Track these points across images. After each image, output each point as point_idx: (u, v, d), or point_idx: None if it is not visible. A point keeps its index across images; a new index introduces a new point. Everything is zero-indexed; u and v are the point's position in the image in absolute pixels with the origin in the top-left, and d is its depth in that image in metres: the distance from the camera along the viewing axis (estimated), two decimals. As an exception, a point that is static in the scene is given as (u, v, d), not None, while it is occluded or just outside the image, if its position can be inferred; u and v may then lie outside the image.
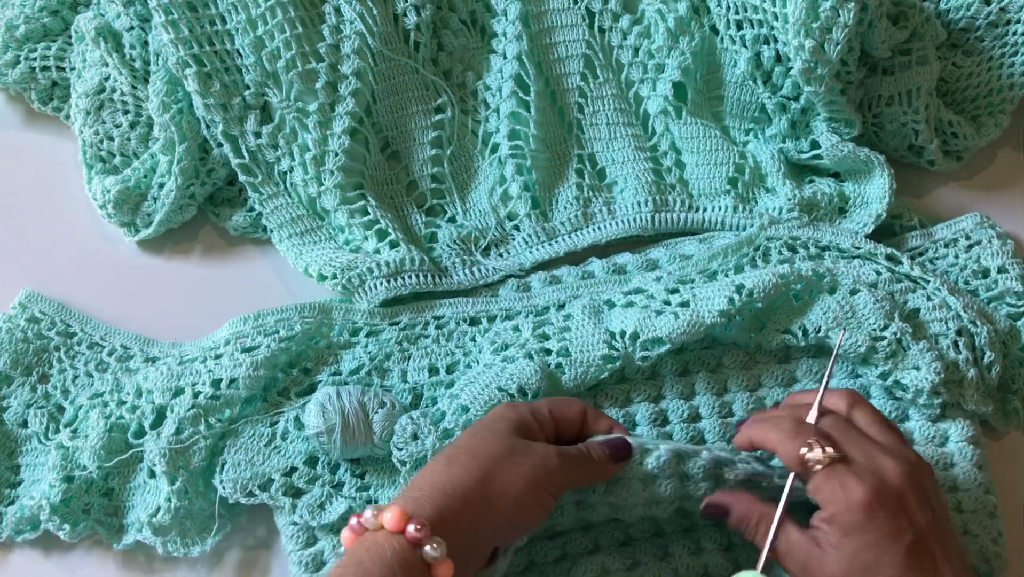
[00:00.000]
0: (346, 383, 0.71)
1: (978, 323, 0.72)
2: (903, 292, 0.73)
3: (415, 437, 0.66)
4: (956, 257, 0.79)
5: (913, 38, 0.80)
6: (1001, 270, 0.78)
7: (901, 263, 0.75)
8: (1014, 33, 0.81)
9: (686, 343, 0.70)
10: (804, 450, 0.57)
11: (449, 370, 0.72)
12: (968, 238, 0.79)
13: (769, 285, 0.70)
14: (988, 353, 0.71)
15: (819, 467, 0.57)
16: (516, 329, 0.72)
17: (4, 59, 0.81)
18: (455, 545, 0.54)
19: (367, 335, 0.73)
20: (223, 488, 0.67)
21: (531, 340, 0.71)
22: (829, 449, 0.57)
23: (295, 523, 0.67)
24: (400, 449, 0.66)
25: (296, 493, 0.68)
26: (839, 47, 0.73)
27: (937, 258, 0.79)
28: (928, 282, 0.74)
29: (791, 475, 0.59)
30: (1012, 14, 0.81)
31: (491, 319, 0.74)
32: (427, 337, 0.73)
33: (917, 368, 0.69)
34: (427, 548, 0.53)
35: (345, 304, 0.74)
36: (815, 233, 0.77)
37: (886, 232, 0.80)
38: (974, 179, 0.85)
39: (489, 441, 0.59)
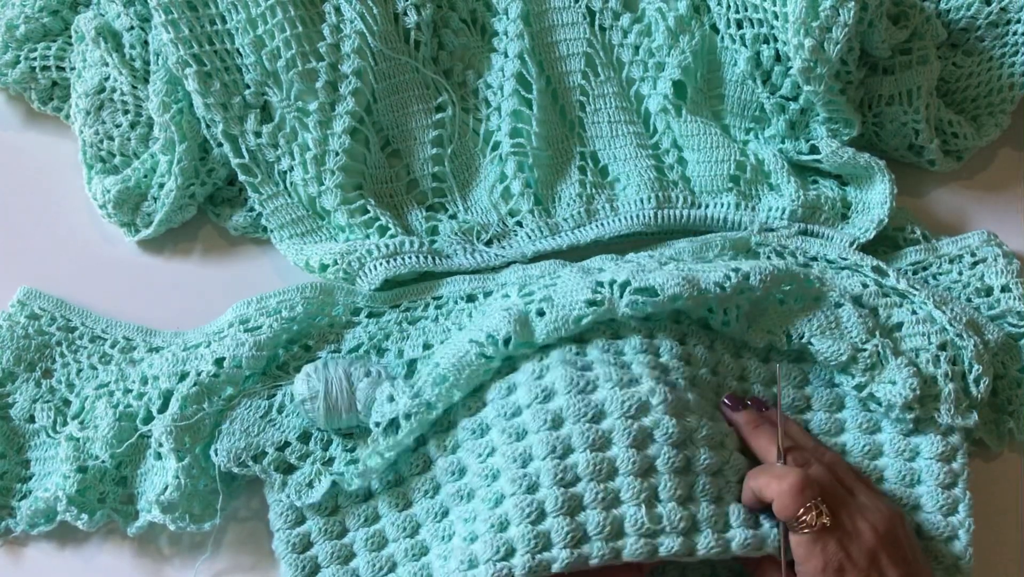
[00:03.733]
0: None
1: (964, 336, 0.71)
2: (888, 306, 0.73)
3: (391, 399, 0.67)
4: (960, 274, 0.78)
5: (913, 38, 0.80)
6: (1004, 289, 0.77)
7: (887, 275, 0.74)
8: (1014, 33, 0.81)
9: (682, 309, 0.69)
10: (801, 512, 0.61)
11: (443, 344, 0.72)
12: (973, 255, 0.78)
13: (766, 271, 0.70)
14: (975, 366, 0.71)
15: (807, 530, 0.61)
16: (506, 296, 0.72)
17: (4, 59, 0.81)
18: None
19: (368, 315, 0.74)
20: (216, 456, 0.68)
21: (516, 300, 0.70)
22: (824, 519, 0.61)
23: (281, 501, 0.68)
24: (376, 412, 0.67)
25: (287, 469, 0.68)
26: (839, 46, 0.73)
27: (940, 273, 0.78)
28: (915, 295, 0.73)
29: (781, 527, 0.63)
30: (1012, 14, 0.81)
31: (487, 295, 0.75)
32: (427, 318, 0.74)
33: (893, 382, 0.69)
34: None
35: (347, 285, 0.74)
36: (803, 244, 0.77)
37: (889, 244, 0.79)
38: (974, 179, 0.85)
39: None
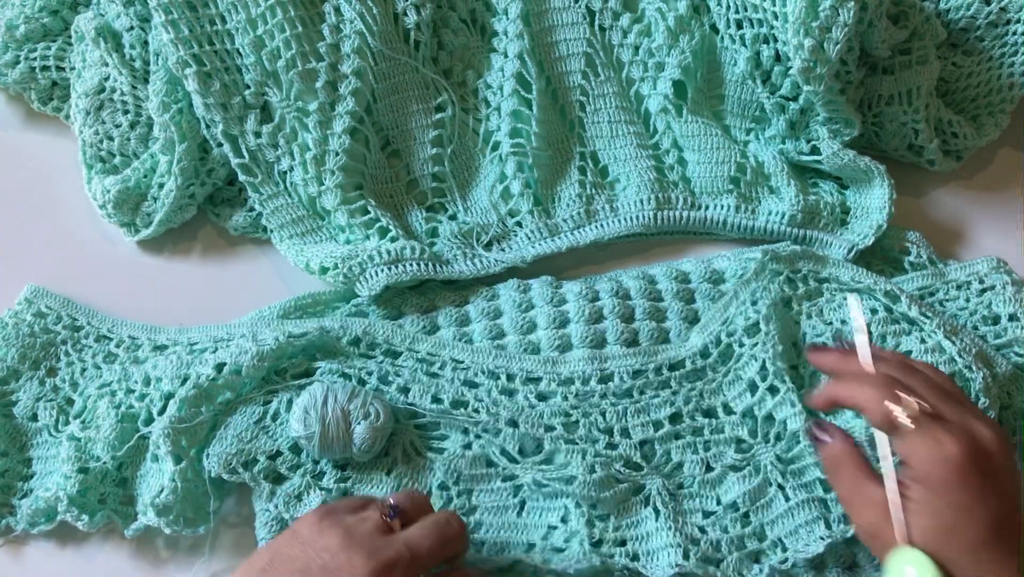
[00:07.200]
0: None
1: (974, 368, 0.69)
2: (897, 334, 0.72)
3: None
4: (967, 301, 0.76)
5: (913, 38, 0.80)
6: (1012, 318, 0.75)
7: (899, 301, 0.73)
8: (1014, 33, 0.81)
9: None
10: (893, 407, 0.55)
11: (454, 405, 0.70)
12: (981, 282, 0.77)
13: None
14: (983, 399, 0.69)
15: (910, 423, 0.55)
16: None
17: (4, 59, 0.81)
18: None
19: (384, 353, 0.73)
20: (208, 462, 0.67)
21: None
22: (921, 402, 0.55)
23: (268, 511, 0.67)
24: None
25: (277, 478, 0.68)
26: (839, 46, 0.73)
27: (948, 300, 0.76)
28: (925, 323, 0.72)
29: (882, 437, 0.57)
30: (1012, 14, 0.81)
31: (510, 377, 0.72)
32: (443, 378, 0.72)
33: None
34: None
35: (376, 326, 0.73)
36: (815, 265, 0.76)
37: (897, 267, 0.78)
38: (974, 179, 0.85)
39: None
